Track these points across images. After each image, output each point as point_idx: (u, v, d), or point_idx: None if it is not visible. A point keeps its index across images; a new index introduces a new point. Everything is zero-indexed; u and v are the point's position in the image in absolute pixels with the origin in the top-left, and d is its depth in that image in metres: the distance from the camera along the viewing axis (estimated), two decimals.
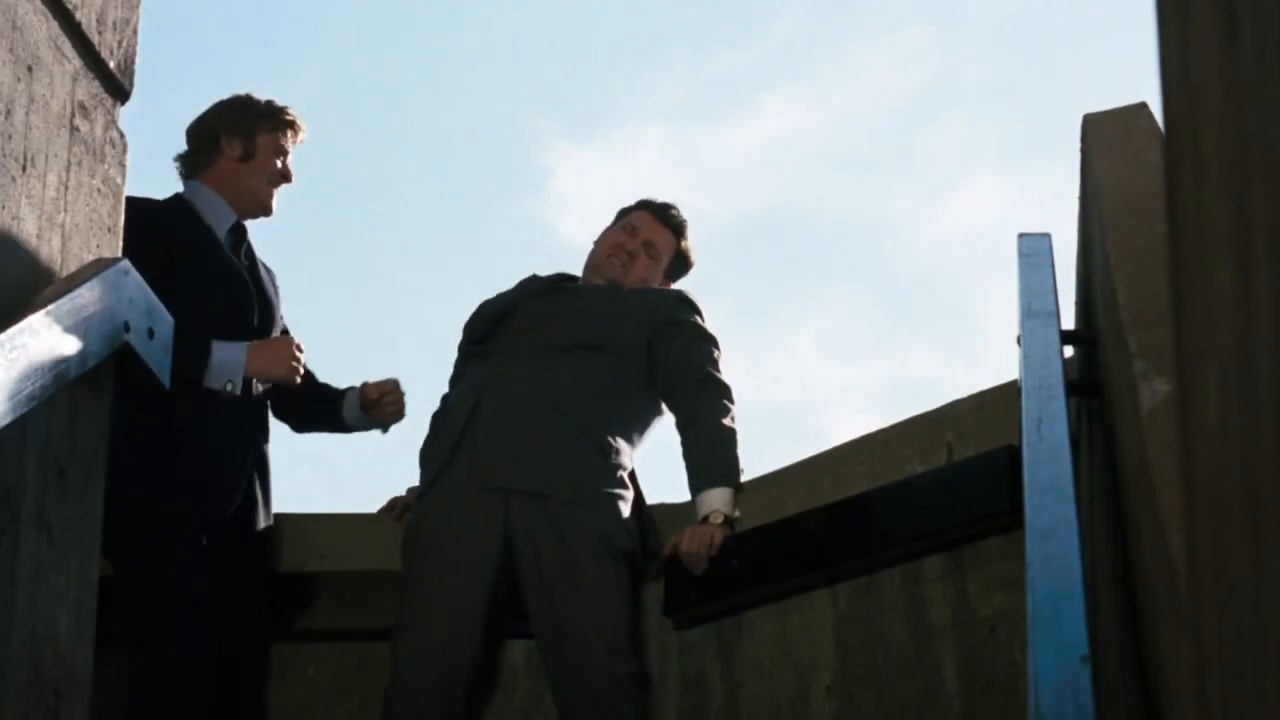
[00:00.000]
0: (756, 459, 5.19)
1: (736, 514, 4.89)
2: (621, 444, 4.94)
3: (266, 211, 5.01)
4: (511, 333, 5.08)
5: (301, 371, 4.84)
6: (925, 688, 4.56)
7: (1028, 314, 3.62)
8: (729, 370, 5.15)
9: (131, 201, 4.69)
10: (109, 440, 4.50)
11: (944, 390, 13.26)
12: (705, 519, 4.88)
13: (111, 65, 3.56)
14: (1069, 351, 3.92)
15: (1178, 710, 2.18)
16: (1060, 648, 2.26)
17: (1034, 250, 3.99)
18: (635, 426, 5.02)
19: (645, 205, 5.37)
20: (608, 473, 4.87)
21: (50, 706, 3.13)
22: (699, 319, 5.15)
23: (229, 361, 4.69)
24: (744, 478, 4.96)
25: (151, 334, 3.49)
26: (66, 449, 3.25)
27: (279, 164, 5.00)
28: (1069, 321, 4.15)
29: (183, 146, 5.06)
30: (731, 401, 5.03)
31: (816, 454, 5.03)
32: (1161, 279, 2.94)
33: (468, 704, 4.76)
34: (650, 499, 5.14)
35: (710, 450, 4.94)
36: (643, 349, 5.04)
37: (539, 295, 5.18)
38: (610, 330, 5.04)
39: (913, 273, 12.27)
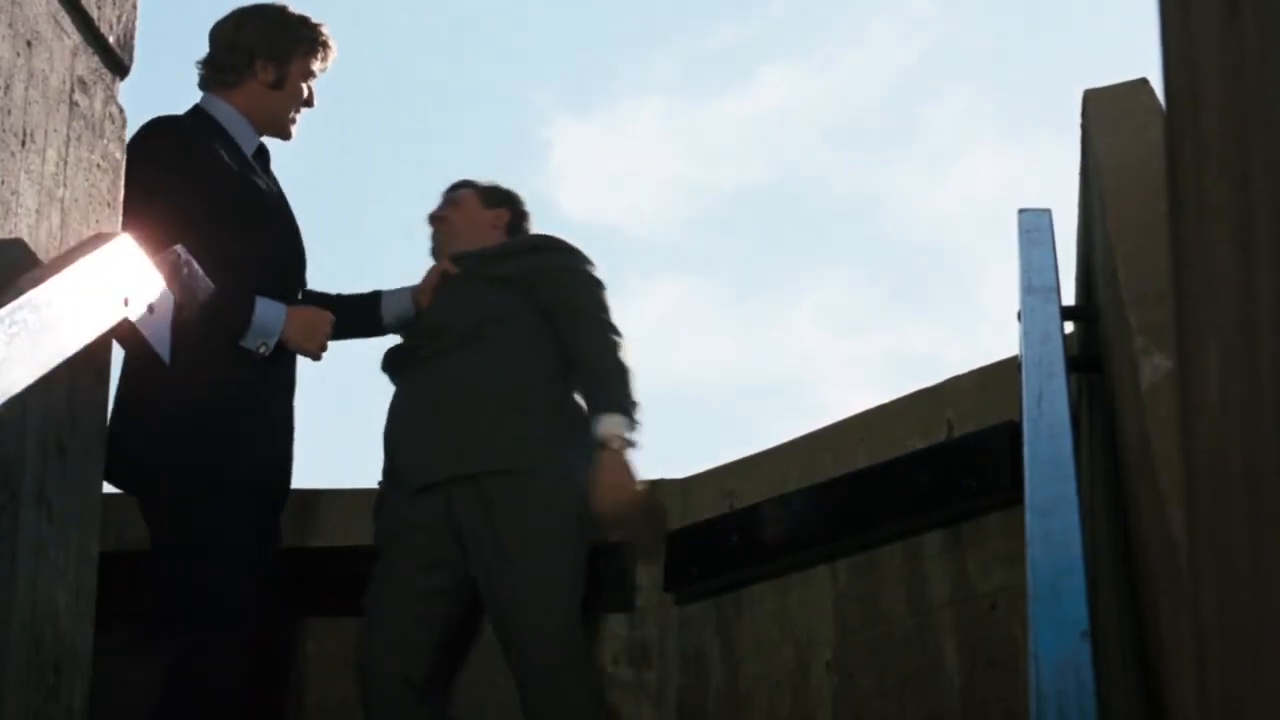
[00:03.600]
0: (756, 432, 5.16)
1: (636, 438, 4.78)
2: (549, 401, 4.84)
3: (287, 136, 4.86)
4: (407, 355, 5.00)
5: (327, 349, 4.79)
6: (925, 664, 4.57)
7: (1028, 290, 3.62)
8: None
9: (162, 121, 4.62)
10: (179, 404, 4.50)
11: (944, 364, 13.25)
12: (604, 447, 4.75)
13: (111, 40, 3.55)
14: (1069, 327, 3.92)
15: (1178, 687, 2.19)
16: (1060, 624, 2.26)
17: (1034, 226, 3.98)
18: (563, 377, 4.91)
19: None
20: (539, 432, 4.78)
21: (50, 684, 3.13)
22: (562, 254, 5.06)
23: (269, 322, 4.57)
24: (639, 411, 4.82)
25: (151, 309, 3.49)
26: (66, 425, 3.25)
27: (305, 89, 4.85)
28: (1069, 297, 4.16)
29: (204, 53, 4.85)
30: (616, 334, 4.91)
31: (817, 430, 5.03)
32: (1162, 255, 2.94)
33: (443, 675, 4.75)
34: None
35: (597, 384, 4.84)
36: (525, 302, 4.94)
37: (417, 315, 5.10)
38: (484, 306, 4.93)
39: (913, 246, 12.27)
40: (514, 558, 4.66)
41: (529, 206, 5.33)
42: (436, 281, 5.03)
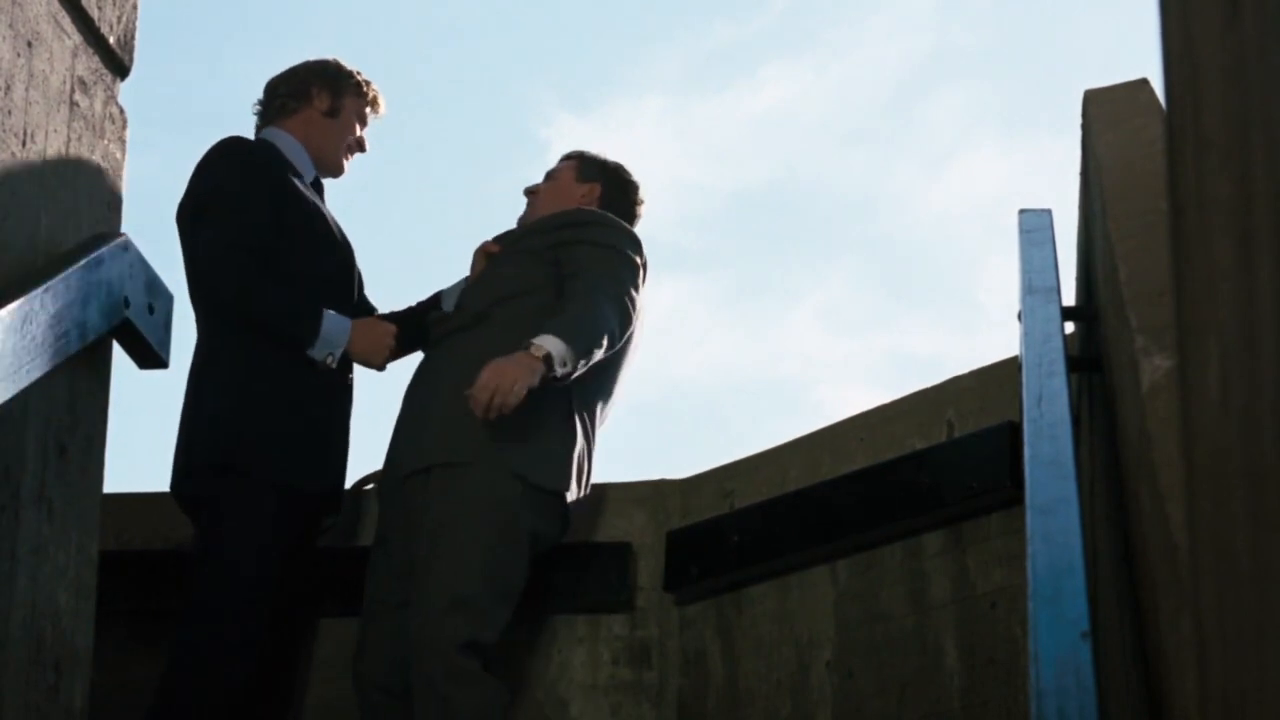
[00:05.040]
0: (756, 433, 5.13)
1: (560, 371, 4.46)
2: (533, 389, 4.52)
3: (338, 172, 5.04)
4: (430, 337, 4.93)
5: (390, 361, 4.87)
6: (925, 664, 4.57)
7: (1029, 290, 3.62)
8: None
9: (238, 138, 4.84)
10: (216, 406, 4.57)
11: (944, 364, 13.26)
12: (524, 347, 4.47)
13: (111, 41, 3.55)
14: (1070, 327, 3.92)
15: (1178, 687, 2.18)
16: (1061, 624, 2.26)
17: (1035, 226, 3.98)
18: None
19: None
20: (499, 421, 4.47)
21: (50, 683, 3.13)
22: (592, 228, 4.86)
23: (336, 334, 4.70)
24: (587, 360, 4.55)
25: (151, 309, 3.49)
26: (67, 425, 3.25)
27: (358, 131, 5.05)
28: (1070, 297, 4.16)
29: (255, 99, 5.12)
30: (609, 302, 4.67)
31: (817, 430, 5.03)
32: (1162, 254, 2.94)
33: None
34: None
35: (564, 315, 4.56)
36: (552, 278, 4.79)
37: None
38: (504, 284, 4.81)
39: (913, 245, 12.27)
40: (440, 544, 4.49)
41: (638, 177, 5.14)
42: (481, 262, 5.01)
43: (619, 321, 4.67)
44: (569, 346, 4.47)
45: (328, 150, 4.99)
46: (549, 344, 4.45)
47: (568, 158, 5.18)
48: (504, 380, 4.39)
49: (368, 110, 5.07)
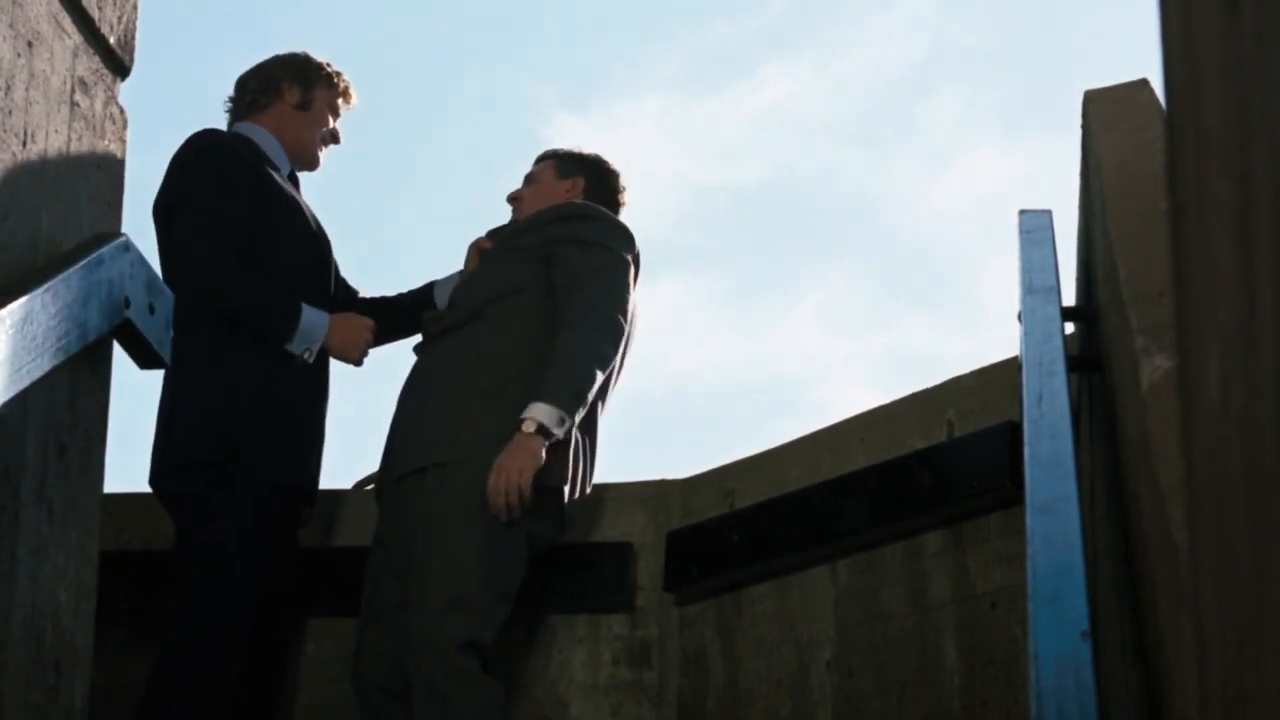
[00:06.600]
0: (756, 432, 5.13)
1: (559, 432, 4.54)
2: (530, 386, 4.61)
3: (314, 165, 5.03)
4: (423, 335, 4.94)
5: (367, 356, 4.86)
6: (925, 663, 4.57)
7: (1029, 290, 3.62)
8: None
9: (214, 132, 4.83)
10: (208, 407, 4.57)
11: (944, 363, 13.26)
12: (519, 428, 4.52)
13: (112, 41, 3.55)
14: (1070, 327, 3.92)
15: (1178, 686, 2.18)
16: (1061, 623, 2.26)
17: (1035, 226, 3.98)
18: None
19: None
20: (493, 420, 4.57)
21: (50, 683, 3.13)
22: (581, 222, 4.86)
23: (313, 329, 4.70)
24: (583, 405, 4.61)
25: (152, 309, 3.49)
26: (67, 425, 3.25)
27: (331, 122, 5.03)
28: (1070, 297, 4.16)
29: (224, 97, 5.11)
30: (601, 317, 4.70)
31: (817, 430, 5.03)
32: (1162, 254, 2.94)
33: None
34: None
35: (547, 366, 4.59)
36: (544, 275, 4.79)
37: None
38: (498, 282, 4.82)
39: (913, 244, 12.28)
40: (436, 542, 4.51)
41: (618, 165, 5.16)
42: (475, 258, 5.01)
43: (612, 341, 4.70)
44: (559, 408, 4.54)
45: (302, 143, 4.98)
46: (539, 414, 4.52)
47: (543, 158, 5.17)
48: (510, 479, 4.46)
49: (339, 101, 5.05)
